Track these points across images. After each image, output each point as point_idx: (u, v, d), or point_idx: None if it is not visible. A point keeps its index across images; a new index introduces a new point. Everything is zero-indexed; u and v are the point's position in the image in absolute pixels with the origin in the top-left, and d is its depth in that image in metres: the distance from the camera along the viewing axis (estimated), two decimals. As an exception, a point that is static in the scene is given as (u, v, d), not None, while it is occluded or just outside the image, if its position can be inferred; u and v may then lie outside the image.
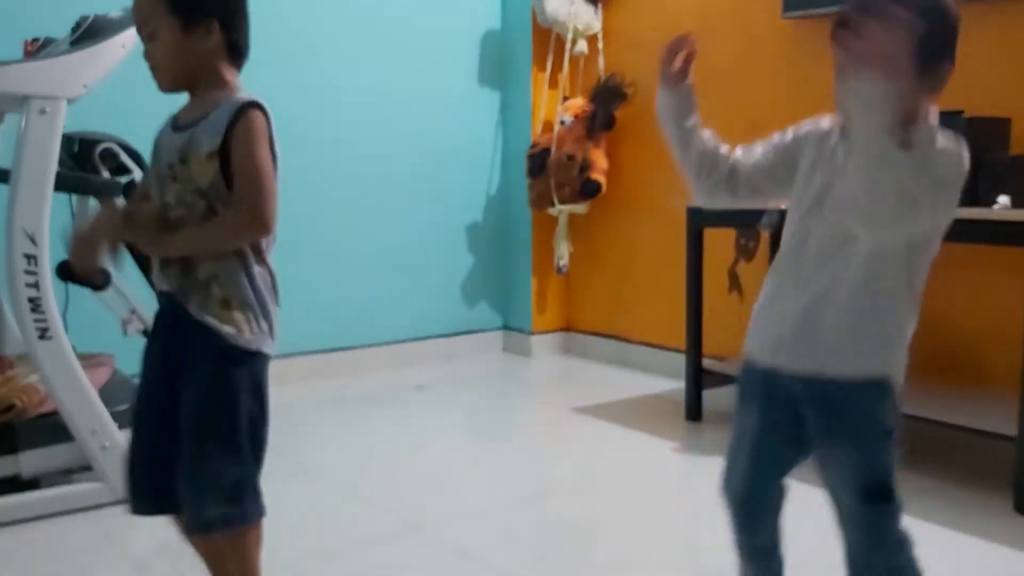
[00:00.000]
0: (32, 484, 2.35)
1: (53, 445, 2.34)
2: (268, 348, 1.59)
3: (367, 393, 3.52)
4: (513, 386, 3.88)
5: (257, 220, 1.50)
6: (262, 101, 1.53)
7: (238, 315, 1.53)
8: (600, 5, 3.95)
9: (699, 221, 3.08)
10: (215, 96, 1.54)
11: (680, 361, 3.20)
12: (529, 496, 2.51)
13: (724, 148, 1.55)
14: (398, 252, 3.93)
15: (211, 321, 1.52)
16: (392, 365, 3.87)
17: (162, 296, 1.59)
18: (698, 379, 3.11)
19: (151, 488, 1.61)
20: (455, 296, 4.16)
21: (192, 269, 1.53)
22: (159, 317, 1.62)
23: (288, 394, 3.16)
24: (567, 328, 4.29)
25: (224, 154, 1.49)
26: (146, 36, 1.54)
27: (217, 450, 1.53)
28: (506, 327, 4.32)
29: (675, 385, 3.41)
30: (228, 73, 1.57)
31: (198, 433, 1.53)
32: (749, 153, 1.55)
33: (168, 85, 1.56)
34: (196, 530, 1.58)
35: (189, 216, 1.52)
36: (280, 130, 1.57)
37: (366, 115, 3.76)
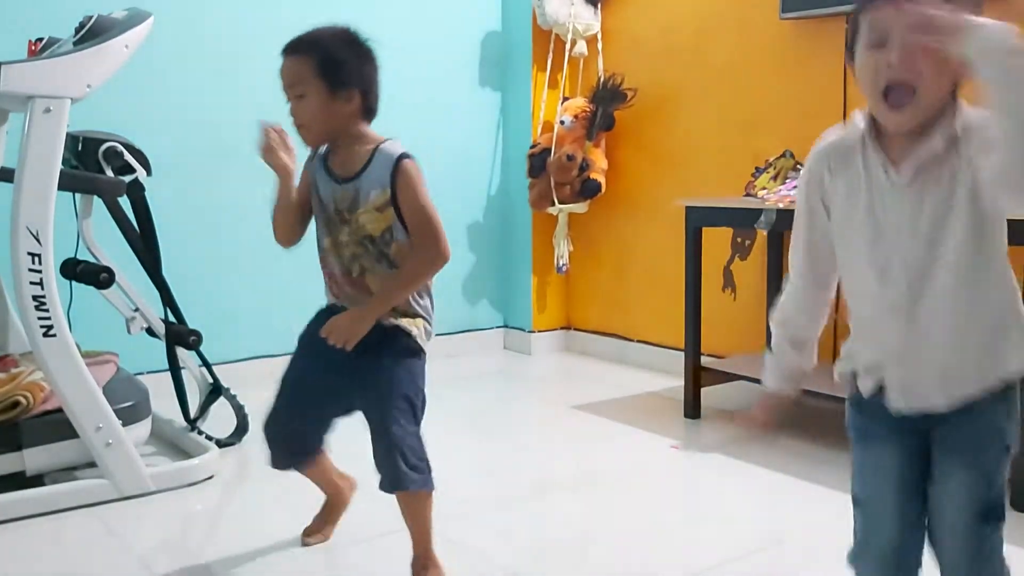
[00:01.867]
0: (36, 480, 2.36)
1: (57, 442, 2.35)
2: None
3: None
4: (513, 384, 3.90)
5: (441, 254, 1.81)
6: (405, 148, 1.82)
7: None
8: (600, 6, 3.97)
9: (697, 220, 3.10)
10: (362, 149, 1.81)
11: (679, 359, 3.22)
12: (528, 492, 2.52)
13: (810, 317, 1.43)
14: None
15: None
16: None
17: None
18: (697, 377, 3.13)
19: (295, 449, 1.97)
20: (456, 294, 4.18)
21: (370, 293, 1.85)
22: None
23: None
24: (567, 326, 4.31)
25: (395, 204, 1.77)
26: (294, 96, 1.78)
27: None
28: (506, 325, 4.34)
29: (674, 383, 3.43)
30: (364, 128, 1.85)
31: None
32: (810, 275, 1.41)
33: (314, 141, 1.84)
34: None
35: (363, 254, 1.82)
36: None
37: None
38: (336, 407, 1.94)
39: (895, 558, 1.33)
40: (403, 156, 1.79)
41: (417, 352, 1.88)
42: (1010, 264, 1.26)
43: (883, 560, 1.33)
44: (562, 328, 4.30)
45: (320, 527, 2.14)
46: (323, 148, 1.88)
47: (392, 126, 3.87)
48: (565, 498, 2.50)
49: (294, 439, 1.97)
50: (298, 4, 3.50)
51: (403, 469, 1.79)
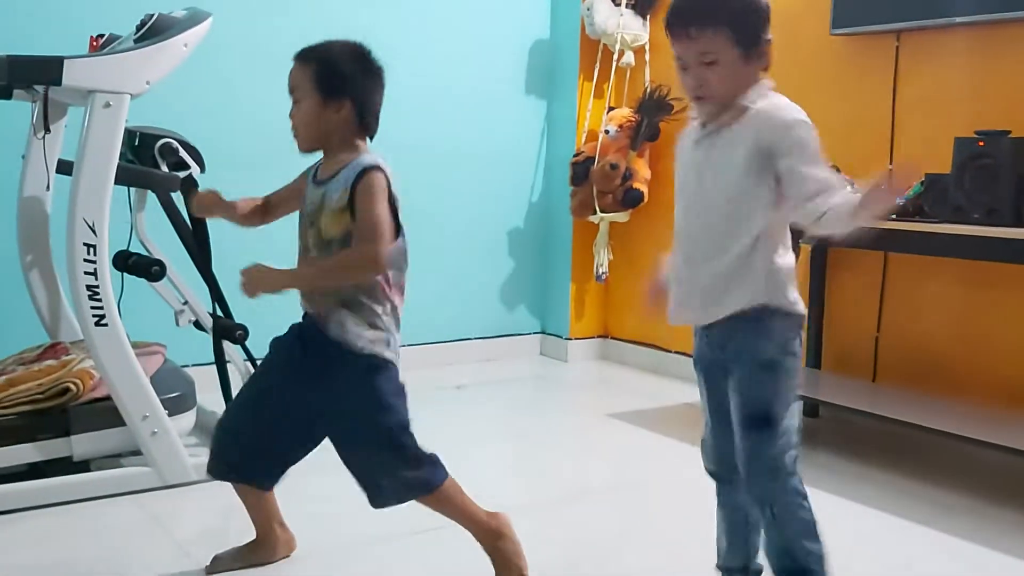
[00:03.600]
0: (83, 466, 2.42)
1: (104, 429, 2.40)
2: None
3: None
4: (549, 390, 3.92)
5: (374, 260, 1.75)
6: (382, 163, 1.81)
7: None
8: (649, 17, 3.98)
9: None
10: (345, 158, 1.82)
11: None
12: (561, 499, 2.54)
13: None
14: (439, 254, 3.98)
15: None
16: (431, 365, 3.92)
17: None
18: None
19: (237, 458, 1.94)
20: (495, 299, 4.21)
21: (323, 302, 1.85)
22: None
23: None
24: (604, 335, 4.32)
25: (352, 209, 1.77)
26: (293, 100, 1.85)
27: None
28: (544, 332, 4.36)
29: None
30: (358, 139, 1.86)
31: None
32: None
33: (305, 146, 1.86)
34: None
35: (322, 260, 1.83)
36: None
37: (413, 119, 3.81)
38: (293, 440, 1.90)
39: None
40: (373, 167, 1.78)
41: (380, 367, 1.83)
42: (782, 226, 1.59)
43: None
44: (599, 336, 4.31)
45: (229, 563, 2.01)
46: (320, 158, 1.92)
47: (437, 130, 3.95)
48: (598, 506, 2.51)
49: (241, 450, 1.93)
50: (346, 12, 3.56)
51: (406, 486, 1.85)
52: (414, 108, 3.81)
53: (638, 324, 4.16)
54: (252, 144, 3.35)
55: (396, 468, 1.83)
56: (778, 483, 1.58)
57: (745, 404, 1.60)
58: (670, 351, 3.95)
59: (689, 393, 3.62)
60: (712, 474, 1.79)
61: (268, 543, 2.04)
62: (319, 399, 1.84)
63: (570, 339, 4.23)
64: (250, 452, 1.92)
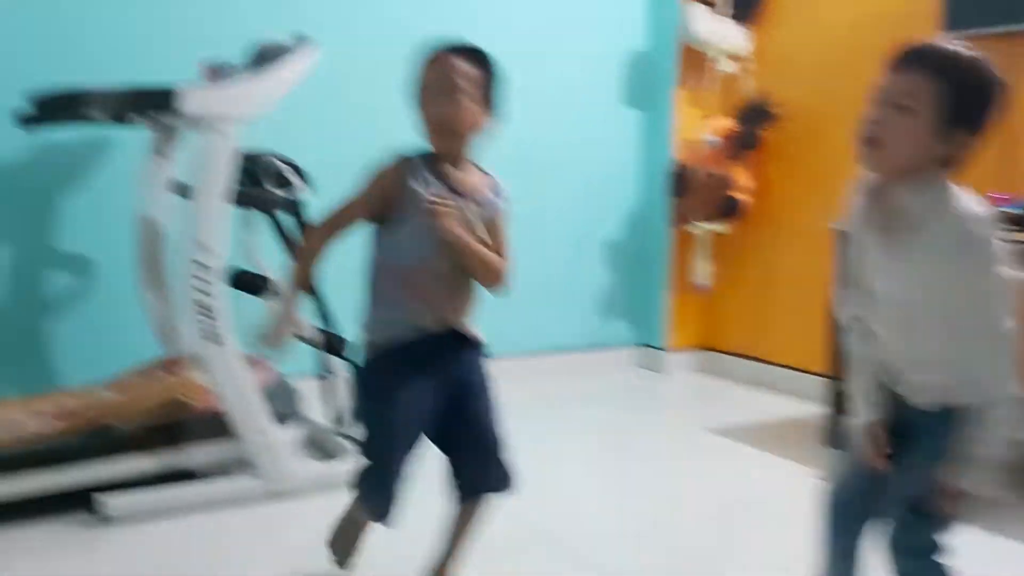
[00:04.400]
0: (198, 477, 2.51)
1: (218, 441, 2.50)
2: None
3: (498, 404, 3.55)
4: (647, 403, 3.88)
5: (499, 280, 1.83)
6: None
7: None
8: (748, 24, 3.92)
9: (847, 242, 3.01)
10: (469, 163, 1.83)
11: (822, 385, 3.14)
12: (659, 520, 2.50)
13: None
14: (535, 268, 3.99)
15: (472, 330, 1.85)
16: (524, 377, 3.93)
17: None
18: (839, 404, 3.04)
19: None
20: (592, 311, 4.20)
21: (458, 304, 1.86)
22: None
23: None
24: (704, 347, 4.26)
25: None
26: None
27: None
28: (642, 344, 4.33)
29: (816, 410, 3.34)
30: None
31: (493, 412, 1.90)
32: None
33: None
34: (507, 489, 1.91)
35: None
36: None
37: (511, 130, 3.82)
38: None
39: None
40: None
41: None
42: None
43: None
44: (699, 348, 4.26)
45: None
46: (418, 151, 1.82)
47: (533, 142, 3.96)
48: (698, 524, 2.48)
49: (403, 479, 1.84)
50: (444, 22, 3.61)
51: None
52: (512, 118, 3.82)
53: (741, 335, 4.10)
54: (357, 162, 3.42)
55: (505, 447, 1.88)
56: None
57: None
58: (773, 364, 3.87)
59: (794, 408, 3.54)
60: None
61: None
62: (457, 380, 1.84)
63: (668, 350, 4.19)
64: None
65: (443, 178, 1.77)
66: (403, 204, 1.75)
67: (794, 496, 2.67)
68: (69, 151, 3.05)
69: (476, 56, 1.80)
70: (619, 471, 2.93)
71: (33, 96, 2.44)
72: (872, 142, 1.40)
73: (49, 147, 2.99)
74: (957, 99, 1.35)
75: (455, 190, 1.77)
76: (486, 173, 1.85)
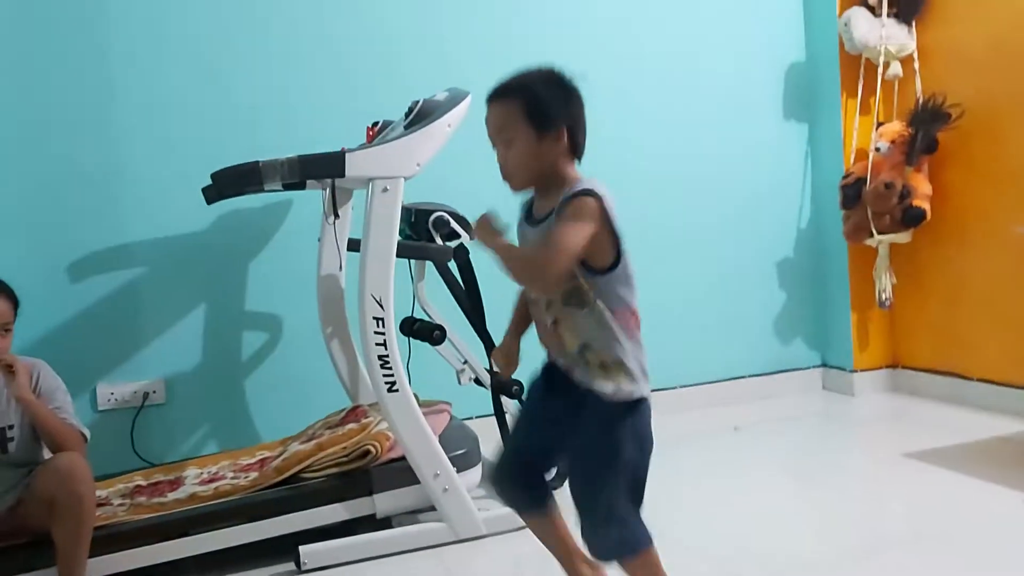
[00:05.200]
0: (385, 523, 2.61)
1: (402, 487, 2.58)
2: (644, 392, 1.73)
3: (681, 434, 3.47)
4: (835, 427, 3.70)
5: (539, 273, 1.65)
6: (598, 187, 1.68)
7: (614, 373, 1.72)
8: (914, 24, 3.72)
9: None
10: (561, 190, 1.70)
11: (1028, 402, 2.91)
12: (854, 552, 2.37)
13: None
14: (709, 293, 3.92)
15: (595, 385, 1.72)
16: (707, 405, 3.85)
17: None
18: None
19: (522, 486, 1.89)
20: (770, 334, 4.07)
21: (564, 346, 1.76)
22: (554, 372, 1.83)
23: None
24: (893, 365, 4.03)
25: None
26: (503, 142, 1.75)
27: (605, 493, 1.72)
28: (825, 365, 4.15)
29: (1022, 427, 3.09)
30: (570, 169, 1.75)
31: (588, 479, 1.74)
32: None
33: (520, 185, 1.77)
34: (600, 559, 1.81)
35: (554, 300, 1.74)
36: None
37: (668, 151, 3.80)
38: (553, 440, 1.85)
39: None
40: (582, 192, 1.66)
41: (621, 413, 1.72)
42: None
43: None
44: (888, 367, 4.03)
45: None
46: (531, 195, 1.83)
47: (695, 162, 3.90)
48: (899, 557, 2.33)
49: (523, 475, 1.90)
50: (597, 41, 3.63)
51: (602, 541, 1.74)
52: (669, 140, 3.80)
53: (931, 351, 3.85)
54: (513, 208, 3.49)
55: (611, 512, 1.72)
56: None
57: None
58: (971, 379, 3.61)
59: (998, 426, 3.29)
60: None
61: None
62: (572, 421, 1.77)
63: (855, 371, 3.99)
64: (528, 474, 1.90)
65: (529, 214, 1.81)
66: None
67: (1009, 524, 2.47)
68: (254, 215, 3.26)
69: (502, 92, 1.75)
70: (807, 504, 2.80)
71: (214, 173, 2.63)
72: None
73: (235, 211, 3.21)
74: None
75: (533, 220, 1.78)
76: (575, 183, 1.71)
